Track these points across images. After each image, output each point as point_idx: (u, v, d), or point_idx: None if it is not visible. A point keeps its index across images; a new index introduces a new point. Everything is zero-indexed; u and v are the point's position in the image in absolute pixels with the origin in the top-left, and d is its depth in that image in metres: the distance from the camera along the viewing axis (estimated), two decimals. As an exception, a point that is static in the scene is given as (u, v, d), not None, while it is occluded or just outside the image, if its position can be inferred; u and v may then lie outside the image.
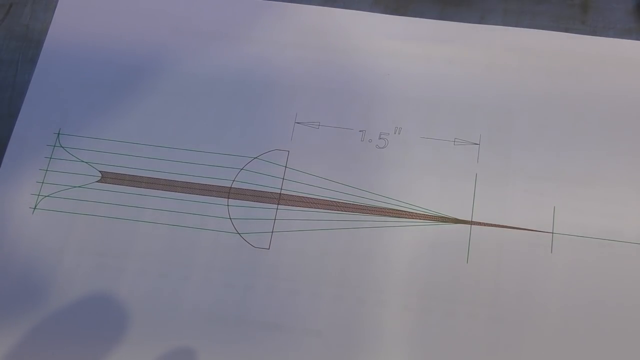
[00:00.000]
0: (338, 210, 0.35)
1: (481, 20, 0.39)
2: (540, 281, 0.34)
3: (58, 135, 0.37)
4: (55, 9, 0.40)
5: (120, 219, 0.35)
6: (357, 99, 0.37)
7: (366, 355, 0.33)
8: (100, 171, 0.36)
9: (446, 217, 0.35)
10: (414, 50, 0.38)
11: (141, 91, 0.38)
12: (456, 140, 0.36)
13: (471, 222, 0.35)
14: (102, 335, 0.33)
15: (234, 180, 0.36)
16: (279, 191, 0.36)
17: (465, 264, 0.34)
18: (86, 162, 0.37)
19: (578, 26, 0.39)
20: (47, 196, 0.36)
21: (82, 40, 0.39)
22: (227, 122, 0.37)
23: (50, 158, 0.37)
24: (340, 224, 0.35)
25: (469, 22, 0.39)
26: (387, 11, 0.39)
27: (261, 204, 0.36)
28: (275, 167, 0.36)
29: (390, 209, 0.35)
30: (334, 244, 0.35)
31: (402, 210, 0.35)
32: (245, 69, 0.38)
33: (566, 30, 0.39)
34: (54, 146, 0.37)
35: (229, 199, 0.36)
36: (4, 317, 0.34)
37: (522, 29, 0.38)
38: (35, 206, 0.36)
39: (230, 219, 0.35)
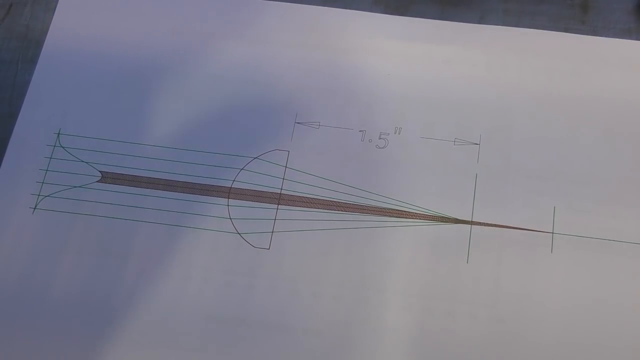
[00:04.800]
0: (338, 210, 0.35)
1: (481, 20, 0.39)
2: (540, 281, 0.34)
3: (58, 135, 0.37)
4: (55, 9, 0.40)
5: (120, 219, 0.35)
6: (357, 99, 0.37)
7: (366, 355, 0.33)
8: (100, 171, 0.36)
9: (446, 217, 0.35)
10: (414, 50, 0.38)
11: (141, 91, 0.38)
12: (456, 140, 0.36)
13: (471, 222, 0.35)
14: (102, 335, 0.33)
15: (234, 180, 0.36)
16: (279, 191, 0.36)
17: (465, 264, 0.34)
18: (86, 162, 0.37)
19: (578, 26, 0.39)
20: (47, 196, 0.36)
21: (82, 40, 0.39)
22: (227, 122, 0.37)
23: (50, 158, 0.37)
24: (340, 224, 0.35)
25: (469, 22, 0.39)
26: (387, 11, 0.39)
27: (261, 204, 0.36)
28: (275, 167, 0.36)
29: (390, 209, 0.35)
30: (334, 244, 0.35)
31: (402, 210, 0.35)
32: (245, 69, 0.38)
33: (566, 30, 0.39)
34: (54, 146, 0.37)
35: (229, 199, 0.36)
36: (4, 317, 0.34)
37: (522, 29, 0.38)
38: (35, 206, 0.36)
39: (230, 219, 0.35)
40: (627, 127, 0.36)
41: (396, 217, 0.35)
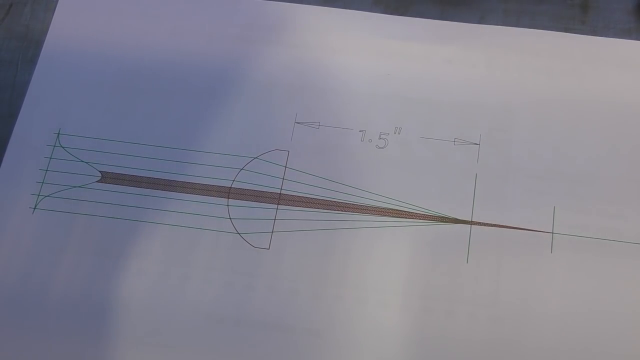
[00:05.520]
0: (338, 210, 0.35)
1: (481, 20, 0.39)
2: (540, 281, 0.34)
3: (58, 135, 0.37)
4: (55, 9, 0.40)
5: (120, 219, 0.35)
6: (357, 99, 0.37)
7: (366, 355, 0.33)
8: (100, 171, 0.36)
9: (446, 217, 0.35)
10: (414, 50, 0.38)
11: (141, 91, 0.38)
12: (456, 140, 0.36)
13: (471, 222, 0.35)
14: (102, 335, 0.33)
15: (234, 180, 0.36)
16: (279, 191, 0.36)
17: (465, 264, 0.34)
18: (86, 162, 0.37)
19: (578, 26, 0.39)
20: (47, 196, 0.36)
21: (82, 40, 0.39)
22: (227, 122, 0.37)
23: (50, 158, 0.37)
24: (340, 224, 0.35)
25: (469, 22, 0.39)
26: (387, 11, 0.39)
27: (261, 204, 0.36)
28: (275, 167, 0.36)
29: (390, 209, 0.35)
30: (334, 244, 0.35)
31: (402, 210, 0.35)
32: (245, 68, 0.38)
33: (566, 30, 0.39)
34: (54, 146, 0.37)
35: (229, 199, 0.36)
36: (4, 317, 0.34)
37: (522, 29, 0.38)
38: (35, 206, 0.36)
39: (230, 219, 0.35)
40: (627, 127, 0.36)
41: (396, 217, 0.35)
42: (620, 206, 0.35)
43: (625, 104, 0.37)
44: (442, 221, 0.35)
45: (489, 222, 0.35)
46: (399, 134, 0.37)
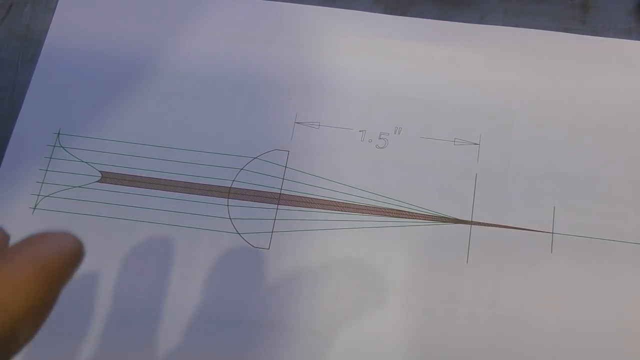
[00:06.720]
0: (338, 210, 0.35)
1: (481, 20, 0.39)
2: (540, 281, 0.34)
3: (58, 135, 0.37)
4: (55, 9, 0.40)
5: (120, 219, 0.35)
6: (357, 99, 0.37)
7: (366, 355, 0.33)
8: (100, 171, 0.36)
9: (446, 217, 0.35)
10: (414, 50, 0.38)
11: (141, 91, 0.38)
12: (456, 140, 0.36)
13: (471, 222, 0.35)
14: (102, 335, 0.33)
15: (234, 180, 0.36)
16: (279, 191, 0.36)
17: (465, 264, 0.34)
18: (86, 162, 0.37)
19: (578, 26, 0.39)
20: (47, 196, 0.36)
21: (82, 40, 0.39)
22: (227, 122, 0.37)
23: (50, 158, 0.37)
24: (340, 224, 0.35)
25: (469, 22, 0.39)
26: (387, 11, 0.39)
27: (261, 204, 0.36)
28: (275, 167, 0.36)
29: (390, 209, 0.35)
30: (334, 244, 0.35)
31: (402, 210, 0.35)
32: (245, 68, 0.38)
33: (566, 30, 0.39)
34: (54, 146, 0.37)
35: (229, 199, 0.36)
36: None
37: (522, 29, 0.38)
38: (35, 206, 0.36)
39: (230, 219, 0.35)
40: (627, 127, 0.36)
41: (396, 217, 0.35)
42: (620, 206, 0.35)
43: (625, 104, 0.37)
44: (442, 221, 0.35)
45: (489, 222, 0.35)
46: (399, 134, 0.37)
